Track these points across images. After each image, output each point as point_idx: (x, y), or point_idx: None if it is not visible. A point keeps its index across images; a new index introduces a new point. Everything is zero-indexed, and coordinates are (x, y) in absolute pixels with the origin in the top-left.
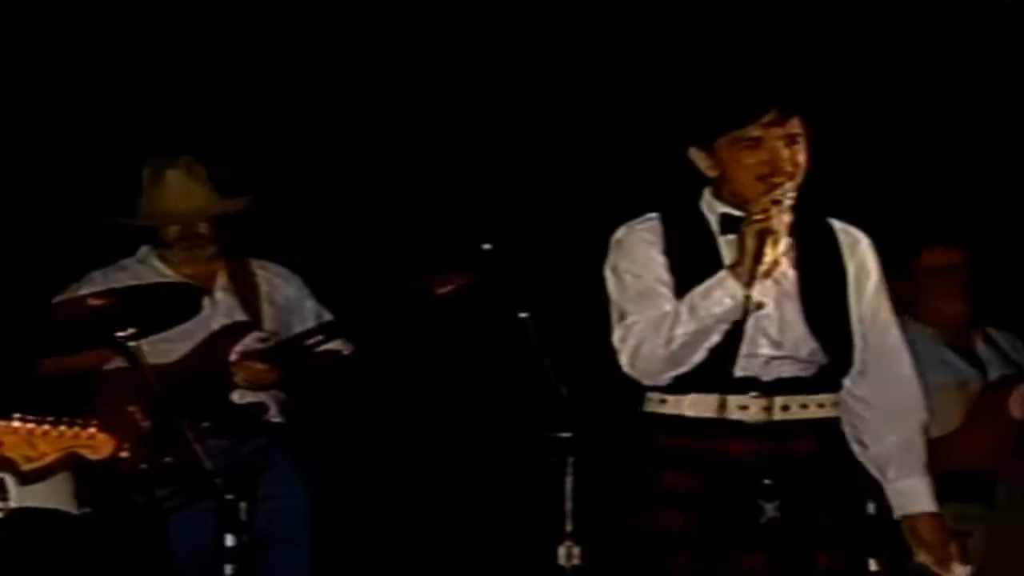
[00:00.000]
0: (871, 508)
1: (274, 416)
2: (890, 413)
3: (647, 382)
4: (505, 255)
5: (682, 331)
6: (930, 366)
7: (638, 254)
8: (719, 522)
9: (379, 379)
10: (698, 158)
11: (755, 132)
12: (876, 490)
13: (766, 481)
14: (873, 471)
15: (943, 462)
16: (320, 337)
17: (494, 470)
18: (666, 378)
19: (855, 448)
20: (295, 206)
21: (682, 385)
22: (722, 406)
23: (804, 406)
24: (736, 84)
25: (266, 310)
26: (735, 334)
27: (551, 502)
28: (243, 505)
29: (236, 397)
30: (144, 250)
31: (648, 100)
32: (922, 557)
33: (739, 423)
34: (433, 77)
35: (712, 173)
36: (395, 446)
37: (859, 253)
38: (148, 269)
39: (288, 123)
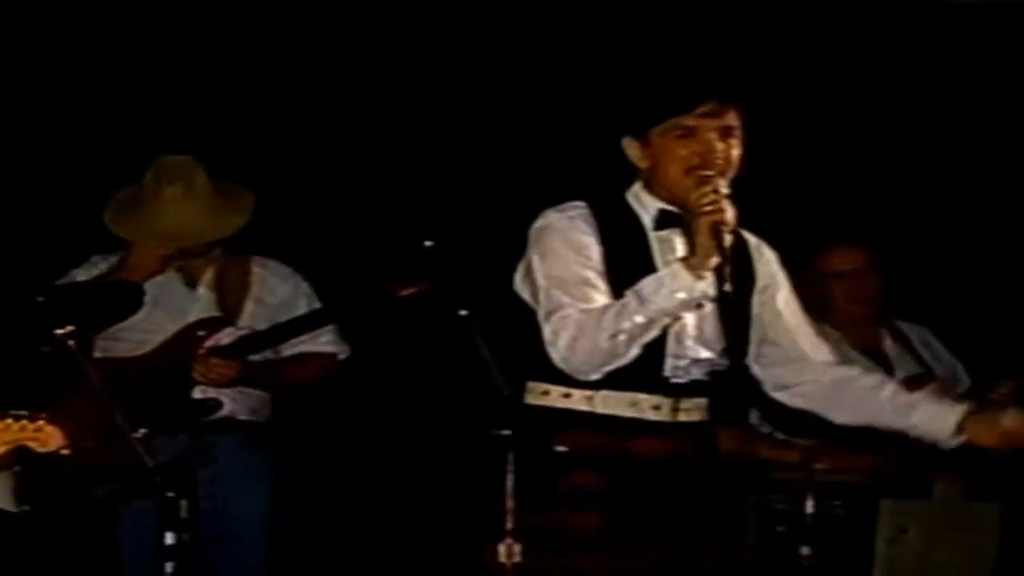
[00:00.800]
0: (809, 506)
1: (239, 414)
2: (848, 390)
3: (580, 376)
4: (447, 252)
5: (629, 324)
6: None
7: (574, 240)
8: (628, 522)
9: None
10: (631, 147)
11: (689, 122)
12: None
13: (675, 481)
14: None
15: (845, 460)
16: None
17: (434, 467)
18: (600, 372)
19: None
20: (295, 206)
21: (596, 381)
22: (635, 404)
23: (699, 408)
24: (674, 72)
25: (249, 308)
26: (659, 335)
27: (492, 499)
28: (184, 503)
29: (199, 393)
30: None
31: None
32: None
33: (650, 422)
34: (433, 77)
35: (644, 164)
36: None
37: (767, 264)
38: None
39: (288, 123)
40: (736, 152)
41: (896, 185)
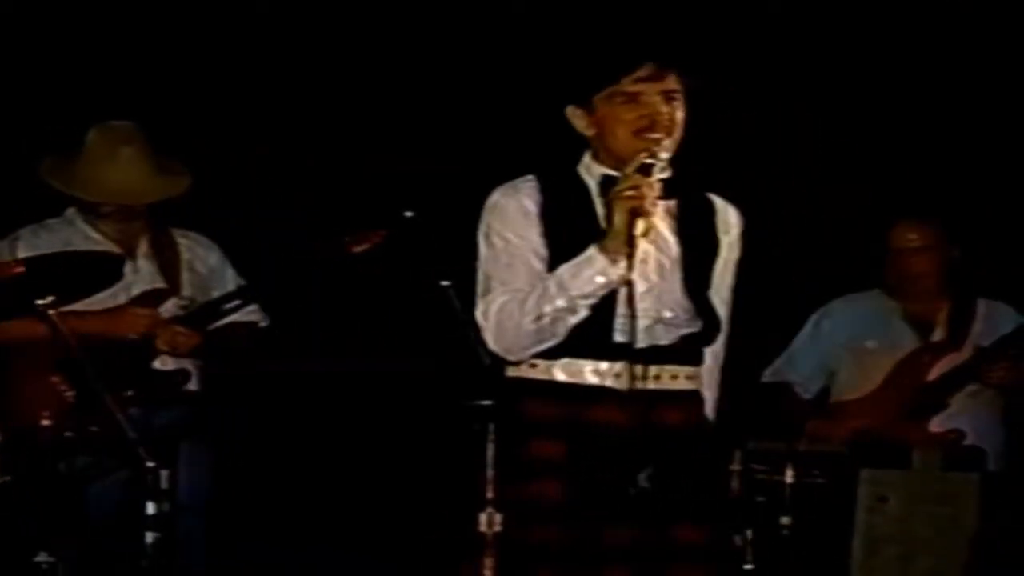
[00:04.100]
0: (789, 476)
1: (192, 385)
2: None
3: (511, 358)
4: (427, 223)
5: (551, 308)
6: (868, 332)
7: (514, 220)
8: (588, 492)
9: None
10: (575, 116)
11: (631, 87)
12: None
13: (637, 450)
14: None
15: (856, 421)
16: (237, 302)
17: (414, 438)
18: (531, 353)
19: None
20: (295, 206)
21: (555, 350)
22: (595, 372)
23: (674, 376)
24: (610, 38)
25: (186, 277)
26: (609, 300)
27: (472, 469)
28: (164, 473)
29: (158, 364)
30: (71, 212)
31: None
32: None
33: (610, 390)
34: (434, 78)
35: (589, 132)
36: (312, 410)
37: (733, 234)
38: (76, 232)
39: (288, 123)
40: (680, 115)
41: (896, 185)
